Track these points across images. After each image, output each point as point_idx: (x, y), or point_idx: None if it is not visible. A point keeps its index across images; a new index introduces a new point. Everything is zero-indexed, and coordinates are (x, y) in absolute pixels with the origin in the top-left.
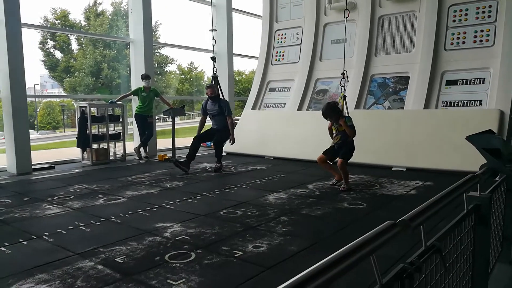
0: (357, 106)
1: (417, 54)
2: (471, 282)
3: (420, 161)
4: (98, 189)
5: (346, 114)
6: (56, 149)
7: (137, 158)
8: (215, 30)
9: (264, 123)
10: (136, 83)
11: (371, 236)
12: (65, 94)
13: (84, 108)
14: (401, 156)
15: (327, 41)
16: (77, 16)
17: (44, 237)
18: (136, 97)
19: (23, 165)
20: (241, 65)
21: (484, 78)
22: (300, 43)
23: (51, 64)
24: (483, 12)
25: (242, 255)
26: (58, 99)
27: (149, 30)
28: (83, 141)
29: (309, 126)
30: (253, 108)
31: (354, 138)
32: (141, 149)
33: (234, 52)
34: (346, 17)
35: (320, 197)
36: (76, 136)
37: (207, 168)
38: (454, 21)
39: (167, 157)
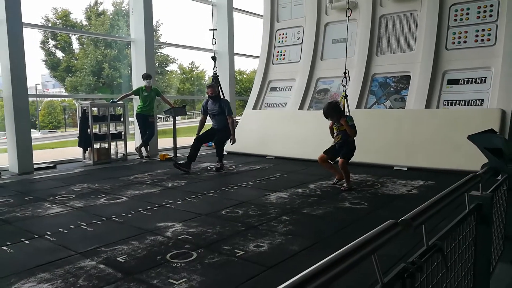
0: (358, 106)
1: (418, 53)
2: (472, 282)
3: (422, 160)
4: (100, 189)
5: (348, 114)
6: (57, 149)
7: (139, 157)
8: (216, 29)
9: (265, 123)
10: (137, 82)
11: (373, 236)
12: (66, 93)
13: (85, 108)
14: (402, 155)
15: (328, 40)
16: (78, 15)
17: (46, 236)
18: (137, 96)
19: (24, 164)
20: (242, 64)
21: (486, 78)
22: (301, 43)
23: (52, 64)
24: (485, 11)
25: (244, 255)
26: (59, 99)
27: (150, 29)
28: (85, 141)
29: (310, 125)
30: (254, 107)
31: (355, 138)
32: (143, 149)
33: (235, 51)
34: (348, 16)
35: (321, 197)
36: (78, 135)
37: (208, 168)
38: (455, 20)
39: (168, 156)
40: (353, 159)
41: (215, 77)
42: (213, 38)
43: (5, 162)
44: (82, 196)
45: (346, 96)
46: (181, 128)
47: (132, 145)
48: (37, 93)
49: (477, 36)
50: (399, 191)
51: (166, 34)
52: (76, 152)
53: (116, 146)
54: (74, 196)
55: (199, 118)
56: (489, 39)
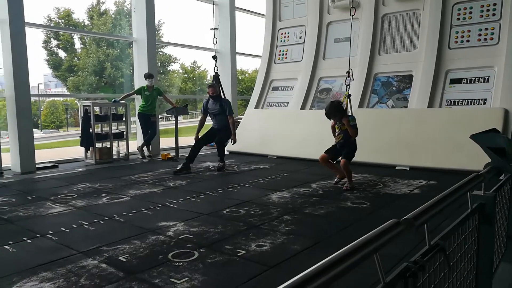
0: (360, 105)
1: (421, 52)
2: (475, 281)
3: (424, 160)
4: (102, 188)
5: (350, 113)
6: (59, 148)
7: (140, 157)
8: (217, 28)
9: (267, 122)
10: (139, 82)
11: (375, 235)
12: (68, 93)
13: (87, 107)
14: (404, 155)
15: (330, 39)
16: (81, 15)
17: (48, 235)
18: (139, 96)
19: (27, 164)
20: (244, 64)
21: (489, 77)
22: (303, 42)
23: (54, 64)
24: (488, 10)
25: (245, 254)
26: (61, 98)
27: (152, 29)
28: (87, 140)
29: (312, 125)
30: (256, 107)
31: (356, 138)
32: (144, 148)
33: (237, 51)
34: (352, 15)
35: (323, 196)
36: (80, 135)
37: (210, 167)
38: (458, 19)
39: (170, 156)
40: (355, 159)
41: (216, 76)
42: (214, 37)
43: (7, 161)
44: (84, 195)
45: (349, 96)
46: (183, 128)
47: (134, 144)
48: (39, 93)
49: (480, 35)
50: (401, 191)
51: (168, 34)
52: (78, 151)
53: (118, 146)
54: (76, 195)
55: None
56: (492, 38)
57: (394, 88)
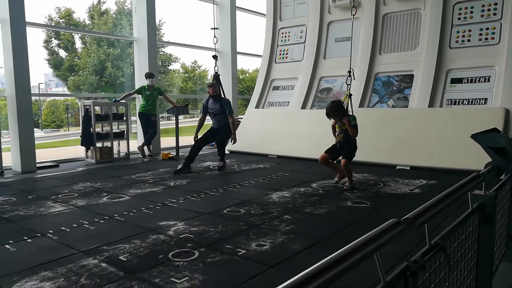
0: (361, 105)
1: (422, 52)
2: (475, 281)
3: (424, 159)
4: (102, 187)
5: (351, 113)
6: (60, 148)
7: (141, 156)
8: (217, 28)
9: (267, 122)
10: (140, 81)
11: (375, 234)
12: (69, 92)
13: (88, 107)
14: (405, 154)
15: (331, 39)
16: (81, 15)
17: (48, 235)
18: (140, 95)
19: (27, 163)
20: (244, 63)
21: (490, 76)
22: (304, 41)
23: (55, 63)
24: (489, 9)
25: (246, 254)
26: (62, 98)
27: (153, 28)
28: (87, 140)
29: (312, 124)
30: (257, 106)
31: (356, 138)
32: (145, 148)
33: (238, 50)
34: (353, 15)
35: (323, 196)
36: (80, 134)
37: (210, 167)
38: (459, 18)
39: (170, 155)
40: (355, 158)
41: (216, 76)
42: (214, 37)
43: (8, 161)
44: (85, 195)
45: (350, 95)
46: (183, 127)
47: (135, 144)
48: (40, 92)
49: (481, 34)
50: (401, 190)
51: (169, 33)
52: (78, 151)
53: (119, 145)
54: (76, 195)
55: None
56: (493, 38)
57: (394, 88)
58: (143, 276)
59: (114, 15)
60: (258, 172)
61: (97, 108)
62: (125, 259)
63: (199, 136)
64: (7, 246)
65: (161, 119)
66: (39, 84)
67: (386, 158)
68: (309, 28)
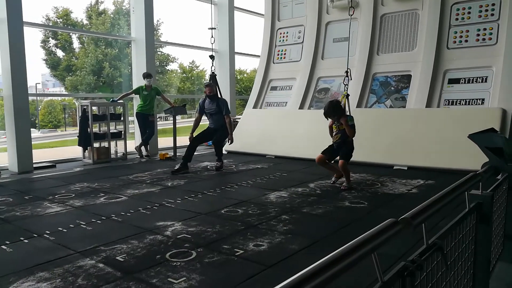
0: (359, 105)
1: (419, 52)
2: (472, 281)
3: (422, 159)
4: (99, 188)
5: (348, 113)
6: (57, 148)
7: (138, 156)
8: (214, 28)
9: (265, 122)
10: (138, 81)
11: (373, 234)
12: (66, 92)
13: (85, 107)
14: (402, 154)
15: (329, 39)
16: (79, 14)
17: (45, 235)
18: (138, 95)
19: (24, 163)
20: (242, 63)
21: (487, 77)
22: (302, 42)
23: (52, 63)
24: (486, 10)
25: (243, 254)
26: (59, 98)
27: (150, 28)
28: (84, 140)
29: (310, 125)
30: (255, 106)
31: (354, 138)
32: (142, 148)
33: (236, 50)
34: (351, 15)
35: (321, 196)
36: (78, 134)
37: (208, 167)
38: (457, 19)
39: (168, 155)
40: (353, 159)
41: (213, 76)
42: (212, 37)
43: (4, 161)
44: (82, 195)
45: (347, 95)
46: (181, 127)
47: (132, 144)
48: (37, 92)
49: (478, 35)
50: (399, 190)
51: (167, 33)
52: (76, 151)
53: (116, 145)
54: (73, 195)
55: None
56: (490, 38)
57: (392, 88)
58: (141, 277)
59: (112, 15)
60: (255, 172)
61: (95, 108)
62: (122, 260)
63: (195, 136)
64: (3, 246)
65: (158, 119)
66: (36, 84)
67: (384, 158)
68: (307, 28)
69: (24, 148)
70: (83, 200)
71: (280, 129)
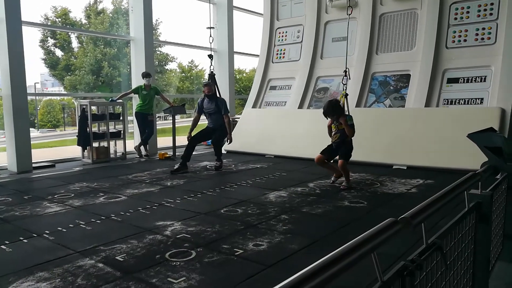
0: (358, 104)
1: (418, 52)
2: (471, 280)
3: (421, 159)
4: (99, 187)
5: (347, 113)
6: (56, 148)
7: (138, 156)
8: (213, 27)
9: (264, 122)
10: (137, 81)
11: (372, 234)
12: (65, 92)
13: (84, 107)
14: (402, 154)
15: (328, 39)
16: (78, 14)
17: (44, 235)
18: (137, 95)
19: (23, 163)
20: (241, 63)
21: (486, 76)
22: (301, 41)
23: (51, 62)
24: (485, 9)
25: (243, 253)
26: (58, 98)
27: (149, 28)
28: (84, 139)
29: (310, 124)
30: (254, 106)
31: (353, 138)
32: (142, 148)
33: (235, 50)
34: (349, 14)
35: (320, 196)
36: (77, 134)
37: (207, 167)
38: (455, 18)
39: (167, 155)
40: (352, 158)
41: (212, 75)
42: (210, 36)
43: (4, 160)
44: (81, 195)
45: (346, 95)
46: (180, 127)
47: (131, 144)
48: (36, 92)
49: (477, 34)
50: (398, 190)
51: (166, 33)
52: (75, 150)
53: (115, 145)
54: (73, 195)
55: None
56: (489, 38)
57: (391, 88)
58: (140, 276)
59: (110, 15)
60: (255, 172)
61: (94, 107)
62: (122, 259)
63: (193, 135)
64: (3, 246)
65: (157, 119)
66: (35, 83)
67: (383, 157)
68: (306, 27)
69: (23, 147)
70: (82, 200)
71: (279, 128)
